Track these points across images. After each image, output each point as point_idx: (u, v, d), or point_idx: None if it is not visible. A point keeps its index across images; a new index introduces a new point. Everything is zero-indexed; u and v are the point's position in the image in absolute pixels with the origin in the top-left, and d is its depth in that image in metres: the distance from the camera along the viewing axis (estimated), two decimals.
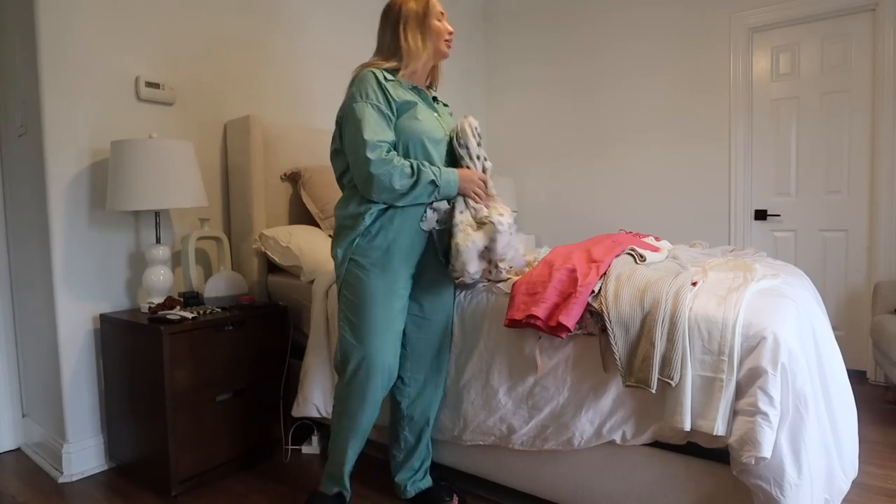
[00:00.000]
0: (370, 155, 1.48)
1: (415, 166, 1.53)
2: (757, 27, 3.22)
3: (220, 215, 2.53)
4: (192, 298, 2.14)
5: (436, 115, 1.69)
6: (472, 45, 4.16)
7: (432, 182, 1.54)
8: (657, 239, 2.10)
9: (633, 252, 1.76)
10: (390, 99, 1.55)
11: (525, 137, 4.13)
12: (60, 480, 2.02)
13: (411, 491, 1.77)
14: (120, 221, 2.18)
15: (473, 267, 1.59)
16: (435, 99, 1.76)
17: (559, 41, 3.92)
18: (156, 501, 1.88)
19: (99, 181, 2.11)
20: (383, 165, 1.49)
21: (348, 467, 1.69)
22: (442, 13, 1.68)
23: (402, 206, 1.58)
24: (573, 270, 1.58)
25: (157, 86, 2.26)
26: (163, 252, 2.13)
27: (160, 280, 2.11)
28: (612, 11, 3.69)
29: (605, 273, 1.59)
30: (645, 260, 1.74)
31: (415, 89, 1.65)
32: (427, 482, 1.79)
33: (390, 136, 1.54)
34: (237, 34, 2.59)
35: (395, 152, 1.55)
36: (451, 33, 1.69)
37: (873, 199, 2.97)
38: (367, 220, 1.56)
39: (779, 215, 3.26)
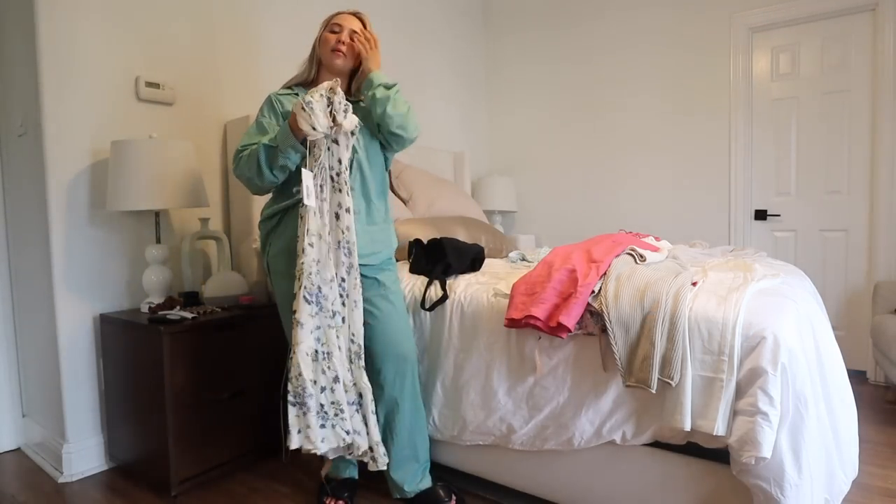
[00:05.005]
0: (232, 165, 1.71)
1: (251, 147, 1.63)
2: (757, 27, 3.22)
3: (220, 215, 2.53)
4: (191, 298, 2.14)
5: None
6: (472, 45, 4.15)
7: (266, 146, 1.58)
8: (657, 239, 2.10)
9: (633, 252, 1.75)
10: (278, 111, 1.71)
11: (524, 138, 4.13)
12: (60, 480, 2.02)
13: (410, 491, 1.77)
14: (120, 221, 2.18)
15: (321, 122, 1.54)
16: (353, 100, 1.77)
17: (559, 43, 3.92)
18: (156, 501, 1.88)
19: (99, 181, 2.11)
20: (237, 167, 1.67)
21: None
22: (339, 24, 1.72)
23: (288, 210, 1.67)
24: (573, 271, 1.58)
25: (157, 86, 2.26)
26: (162, 252, 2.13)
27: (160, 280, 2.11)
28: (611, 13, 3.69)
29: (605, 273, 1.59)
30: (645, 260, 1.74)
31: None
32: (427, 482, 1.79)
33: (263, 138, 1.65)
34: (237, 34, 2.59)
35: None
36: (339, 41, 1.71)
37: (873, 199, 2.97)
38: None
39: (779, 215, 3.26)
